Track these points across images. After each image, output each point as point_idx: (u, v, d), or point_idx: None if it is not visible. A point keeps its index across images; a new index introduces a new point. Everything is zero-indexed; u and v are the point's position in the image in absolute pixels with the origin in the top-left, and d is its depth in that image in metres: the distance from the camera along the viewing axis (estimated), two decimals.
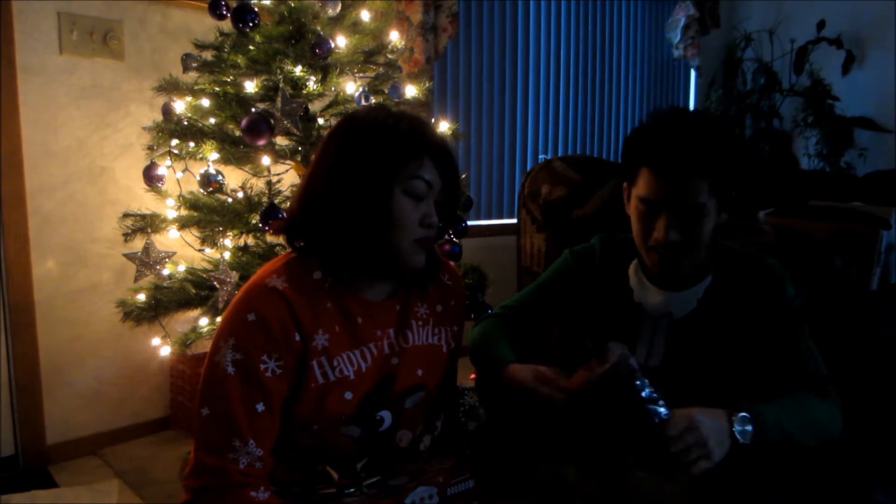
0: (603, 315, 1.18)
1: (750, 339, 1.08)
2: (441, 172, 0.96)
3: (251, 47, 1.73)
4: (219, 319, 1.65)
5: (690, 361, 1.09)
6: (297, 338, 0.89)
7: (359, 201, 0.90)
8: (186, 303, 1.74)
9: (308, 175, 0.98)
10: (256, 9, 1.71)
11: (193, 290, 1.74)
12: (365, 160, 0.92)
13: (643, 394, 0.90)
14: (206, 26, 2.05)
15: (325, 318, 0.92)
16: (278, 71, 1.69)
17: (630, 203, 1.10)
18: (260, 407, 0.86)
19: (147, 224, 1.82)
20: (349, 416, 0.92)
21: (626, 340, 1.13)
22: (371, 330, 0.97)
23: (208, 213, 1.71)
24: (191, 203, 1.76)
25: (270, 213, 1.60)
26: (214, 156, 1.72)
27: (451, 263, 1.16)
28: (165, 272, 1.84)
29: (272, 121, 1.58)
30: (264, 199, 1.68)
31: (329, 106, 1.89)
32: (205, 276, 1.75)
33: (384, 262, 0.95)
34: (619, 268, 1.20)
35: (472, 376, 2.72)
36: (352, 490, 0.90)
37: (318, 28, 1.79)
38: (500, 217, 3.44)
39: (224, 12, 1.76)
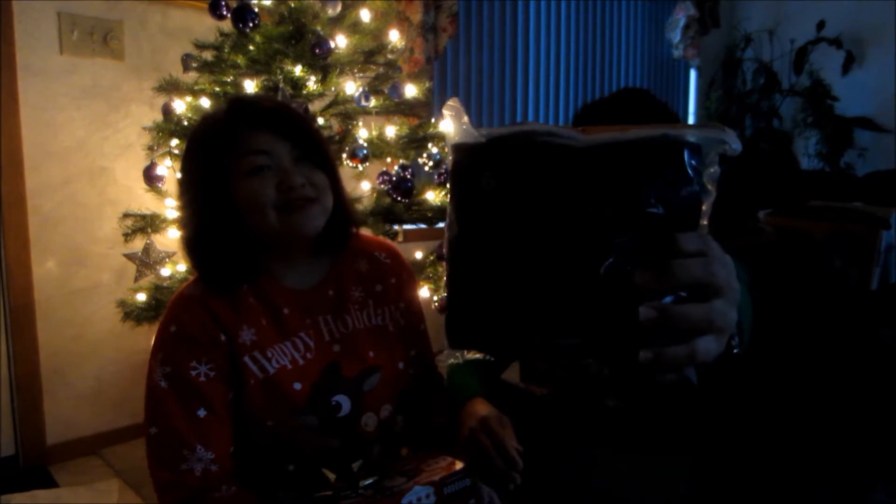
0: None
1: None
2: (284, 134, 0.90)
3: (251, 47, 1.73)
4: None
5: None
6: (223, 338, 0.89)
7: (206, 208, 0.89)
8: None
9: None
10: (256, 9, 1.71)
11: None
12: (192, 167, 0.91)
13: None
14: (206, 26, 2.05)
15: (247, 313, 0.91)
16: (278, 71, 1.69)
17: None
18: (202, 412, 0.85)
19: (147, 224, 1.82)
20: (302, 406, 0.90)
21: None
22: (299, 319, 0.94)
23: None
24: None
25: None
26: None
27: (389, 242, 1.12)
28: (165, 272, 1.84)
29: None
30: None
31: (329, 106, 1.89)
32: None
33: (268, 247, 0.93)
34: None
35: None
36: (348, 492, 0.89)
37: (318, 28, 1.79)
38: None
39: (224, 12, 1.76)
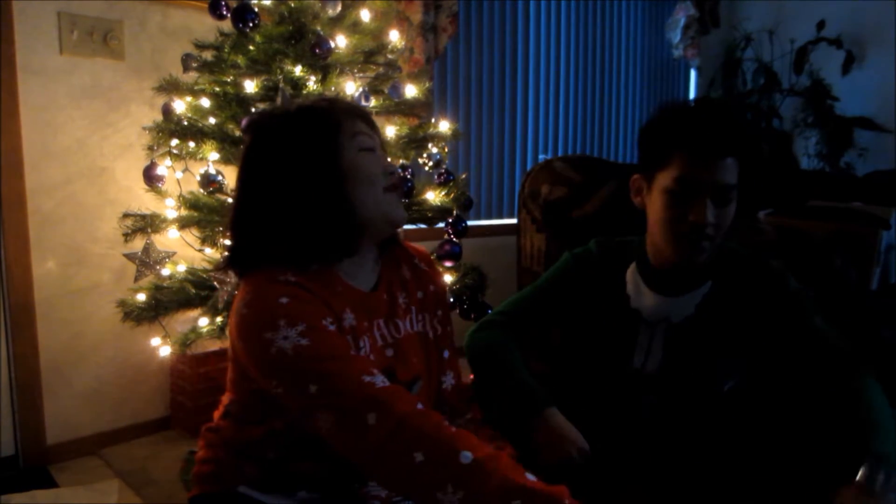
0: (600, 320, 1.18)
1: (755, 343, 1.07)
2: (373, 127, 0.99)
3: (251, 47, 1.73)
4: (219, 319, 1.65)
5: (688, 367, 1.08)
6: (332, 318, 0.88)
7: (316, 184, 0.89)
8: (186, 303, 1.74)
9: (243, 194, 0.95)
10: (256, 9, 1.71)
11: (193, 290, 1.74)
12: (294, 148, 0.90)
13: None
14: (206, 26, 2.05)
15: (341, 298, 0.91)
16: (278, 71, 1.69)
17: (653, 191, 1.08)
18: (354, 351, 0.85)
19: (147, 224, 1.82)
20: None
21: (623, 346, 1.13)
22: (361, 322, 0.94)
23: (208, 213, 1.71)
24: (191, 203, 1.76)
25: None
26: (214, 156, 1.72)
27: (423, 248, 1.14)
28: (165, 272, 1.84)
29: None
30: None
31: None
32: (205, 276, 1.75)
33: (364, 228, 0.93)
34: (616, 272, 1.20)
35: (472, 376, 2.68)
36: None
37: (318, 28, 1.79)
38: (500, 217, 3.44)
39: (224, 12, 1.76)
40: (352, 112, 0.96)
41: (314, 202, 0.89)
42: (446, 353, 1.09)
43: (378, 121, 1.93)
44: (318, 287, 0.89)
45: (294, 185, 0.90)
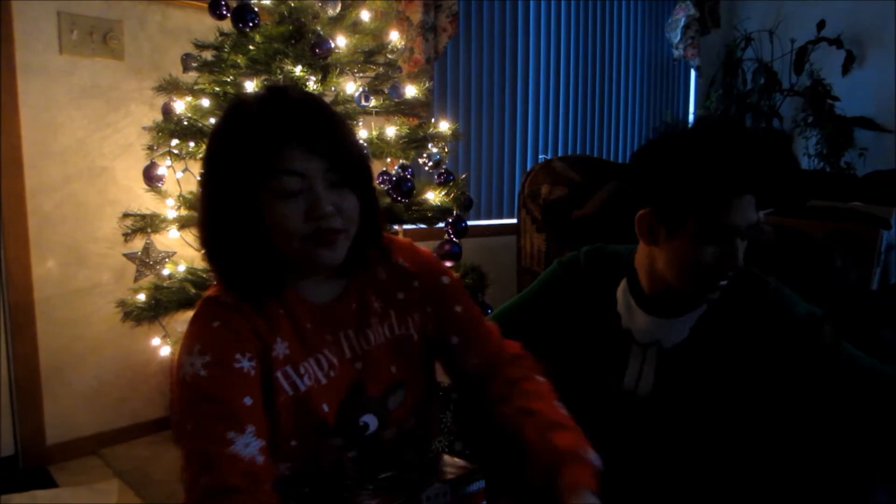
0: (590, 337, 1.13)
1: (758, 372, 1.02)
2: (319, 152, 0.81)
3: (251, 47, 1.73)
4: None
5: (682, 391, 1.04)
6: (262, 347, 0.84)
7: (228, 216, 0.83)
8: (186, 303, 1.74)
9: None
10: (256, 9, 1.71)
11: (193, 290, 1.74)
12: (219, 172, 0.84)
13: None
14: (206, 26, 2.05)
15: (280, 325, 0.86)
16: (278, 71, 1.69)
17: (677, 236, 0.99)
18: (248, 400, 0.79)
19: (147, 224, 1.82)
20: (331, 428, 0.87)
21: (614, 366, 1.09)
22: (321, 336, 0.89)
23: None
24: (191, 203, 1.76)
25: None
26: None
27: (408, 240, 1.04)
28: (165, 272, 1.84)
29: None
30: None
31: None
32: (205, 276, 1.75)
33: (289, 270, 0.87)
34: (606, 288, 1.14)
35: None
36: (368, 483, 0.89)
37: (318, 28, 1.79)
38: (500, 217, 3.43)
39: (224, 12, 1.76)
40: (291, 131, 0.81)
41: (231, 236, 0.84)
42: (455, 340, 0.99)
43: (378, 121, 1.96)
44: (253, 312, 0.85)
45: (215, 211, 0.85)
